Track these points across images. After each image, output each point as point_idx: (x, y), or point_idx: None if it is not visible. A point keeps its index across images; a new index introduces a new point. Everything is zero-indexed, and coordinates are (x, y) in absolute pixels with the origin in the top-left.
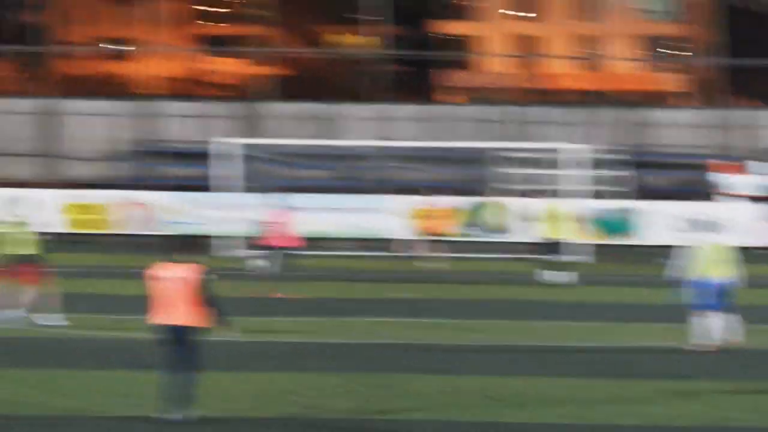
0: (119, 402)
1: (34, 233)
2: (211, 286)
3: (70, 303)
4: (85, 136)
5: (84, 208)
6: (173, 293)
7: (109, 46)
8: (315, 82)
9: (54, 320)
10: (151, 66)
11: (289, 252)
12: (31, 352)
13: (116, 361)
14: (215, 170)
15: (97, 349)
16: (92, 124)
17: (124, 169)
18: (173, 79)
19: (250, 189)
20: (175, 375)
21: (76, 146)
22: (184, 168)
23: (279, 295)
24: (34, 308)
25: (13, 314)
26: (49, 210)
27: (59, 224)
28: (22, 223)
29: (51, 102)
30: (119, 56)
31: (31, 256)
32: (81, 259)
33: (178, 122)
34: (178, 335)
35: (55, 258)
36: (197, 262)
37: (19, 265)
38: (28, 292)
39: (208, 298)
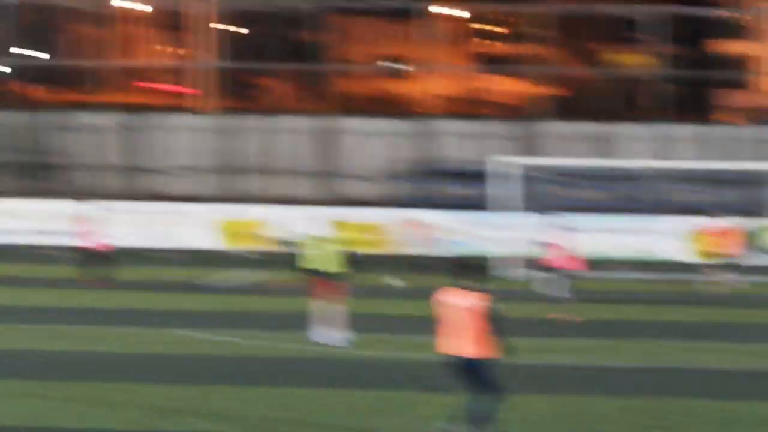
0: (402, 423)
1: (340, 251)
2: (499, 316)
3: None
4: (361, 155)
5: (358, 227)
6: (460, 322)
7: (386, 65)
8: (592, 102)
9: (338, 339)
10: (429, 85)
11: (572, 274)
12: (316, 371)
13: (404, 381)
14: (493, 190)
15: (384, 368)
16: (369, 143)
17: (401, 189)
18: (450, 99)
19: (527, 209)
20: (470, 398)
21: (353, 165)
22: (462, 187)
23: (557, 316)
24: (329, 325)
25: (333, 334)
26: (322, 228)
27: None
28: (327, 240)
29: (329, 121)
30: (397, 75)
31: (336, 273)
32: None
33: (456, 141)
34: (465, 366)
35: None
36: (485, 290)
37: (324, 282)
38: (336, 310)
39: (495, 328)
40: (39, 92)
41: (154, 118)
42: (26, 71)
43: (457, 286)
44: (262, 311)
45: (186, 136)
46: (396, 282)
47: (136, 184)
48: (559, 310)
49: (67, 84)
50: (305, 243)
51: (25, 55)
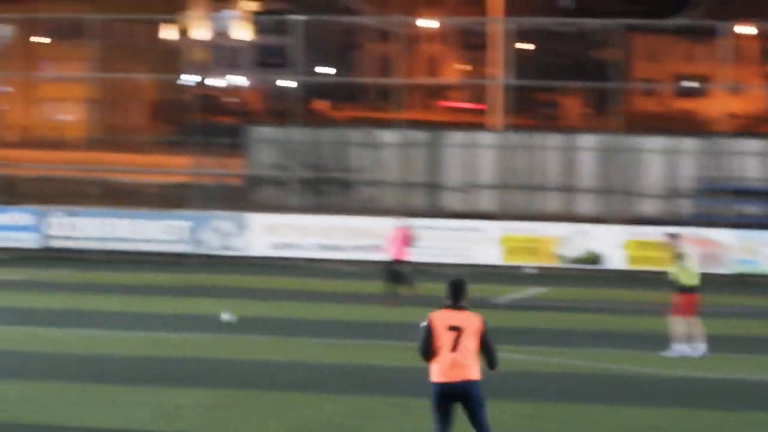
0: None
1: (695, 265)
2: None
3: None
4: (648, 172)
5: (645, 245)
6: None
7: (681, 84)
8: None
9: (701, 350)
10: (722, 103)
11: None
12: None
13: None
14: None
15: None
16: (655, 160)
17: (688, 207)
18: (742, 117)
19: None
20: None
21: (640, 183)
22: (749, 206)
23: None
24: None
25: (689, 349)
26: (610, 246)
27: (619, 261)
28: (684, 256)
29: (616, 138)
30: (689, 93)
31: (694, 287)
32: (641, 296)
33: (744, 160)
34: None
35: (615, 294)
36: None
37: (687, 297)
38: (696, 323)
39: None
40: (324, 107)
41: (450, 135)
42: (315, 88)
43: (456, 307)
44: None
45: (481, 153)
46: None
47: (434, 201)
48: None
49: (355, 100)
50: (674, 260)
51: (314, 71)
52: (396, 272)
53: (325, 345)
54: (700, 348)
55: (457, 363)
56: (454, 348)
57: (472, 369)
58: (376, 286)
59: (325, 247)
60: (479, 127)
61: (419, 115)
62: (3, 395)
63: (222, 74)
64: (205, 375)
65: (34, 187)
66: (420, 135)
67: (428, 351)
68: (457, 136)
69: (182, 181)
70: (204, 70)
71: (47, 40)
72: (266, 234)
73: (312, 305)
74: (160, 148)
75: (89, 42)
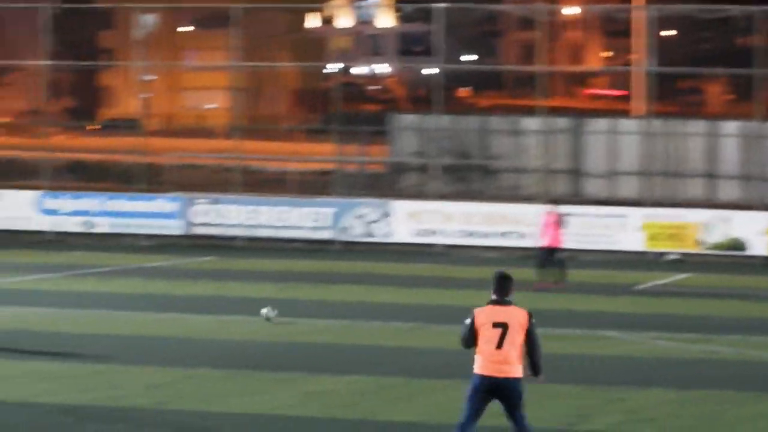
0: None
1: None
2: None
3: None
4: None
5: None
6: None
7: None
8: None
9: None
10: None
11: None
12: None
13: None
14: None
15: None
16: None
17: None
18: None
19: None
20: None
21: None
22: None
23: None
24: None
25: None
26: (752, 233)
27: (762, 247)
28: None
29: (759, 125)
30: None
31: None
32: None
33: None
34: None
35: (758, 281)
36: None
37: None
38: None
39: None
40: (466, 94)
41: (593, 122)
42: (457, 75)
43: (502, 302)
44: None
45: (623, 140)
46: None
47: (577, 188)
48: None
49: (497, 87)
50: None
51: (457, 59)
52: (550, 259)
53: None
54: None
55: (501, 360)
56: (500, 345)
57: (515, 367)
58: (520, 272)
59: (467, 234)
60: (622, 113)
61: (562, 102)
62: (149, 381)
63: (365, 62)
64: (346, 361)
65: (179, 175)
66: (562, 122)
67: (470, 346)
68: (599, 123)
69: (325, 169)
70: (347, 58)
71: (191, 30)
72: (409, 221)
73: (454, 292)
74: (303, 136)
75: (233, 31)
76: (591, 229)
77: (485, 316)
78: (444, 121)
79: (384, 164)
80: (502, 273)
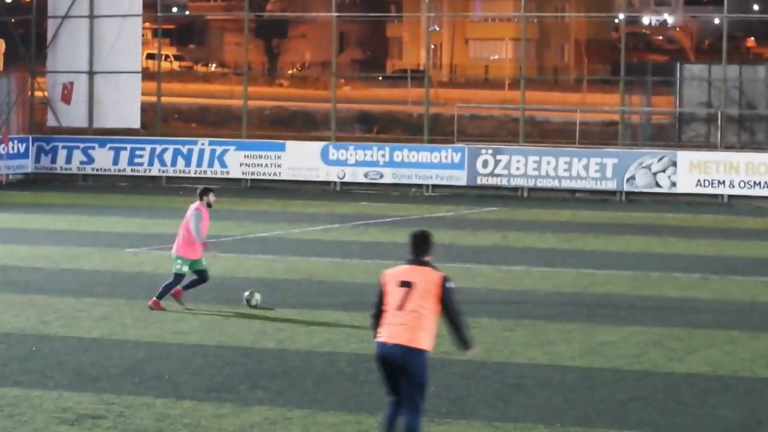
0: None
1: None
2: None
3: None
4: None
5: None
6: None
7: None
8: None
9: None
10: None
11: None
12: None
13: None
14: None
15: None
16: None
17: None
18: None
19: None
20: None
21: None
22: None
23: None
24: None
25: None
26: None
27: None
28: None
29: None
30: None
31: None
32: None
33: None
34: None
35: None
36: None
37: None
38: None
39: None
40: (753, 44)
41: None
42: (745, 25)
43: (416, 262)
44: None
45: None
46: None
47: None
48: None
49: None
50: None
51: (746, 8)
52: None
53: (754, 283)
54: None
55: (401, 323)
56: (400, 307)
57: (418, 334)
58: None
59: (752, 185)
60: None
61: None
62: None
63: (653, 12)
64: (628, 313)
65: (464, 125)
66: None
67: (376, 312)
68: None
69: (611, 119)
70: (635, 8)
71: None
72: (694, 171)
73: (737, 243)
74: (589, 87)
75: None
76: None
77: (392, 275)
78: (731, 71)
79: (669, 115)
80: (419, 231)
